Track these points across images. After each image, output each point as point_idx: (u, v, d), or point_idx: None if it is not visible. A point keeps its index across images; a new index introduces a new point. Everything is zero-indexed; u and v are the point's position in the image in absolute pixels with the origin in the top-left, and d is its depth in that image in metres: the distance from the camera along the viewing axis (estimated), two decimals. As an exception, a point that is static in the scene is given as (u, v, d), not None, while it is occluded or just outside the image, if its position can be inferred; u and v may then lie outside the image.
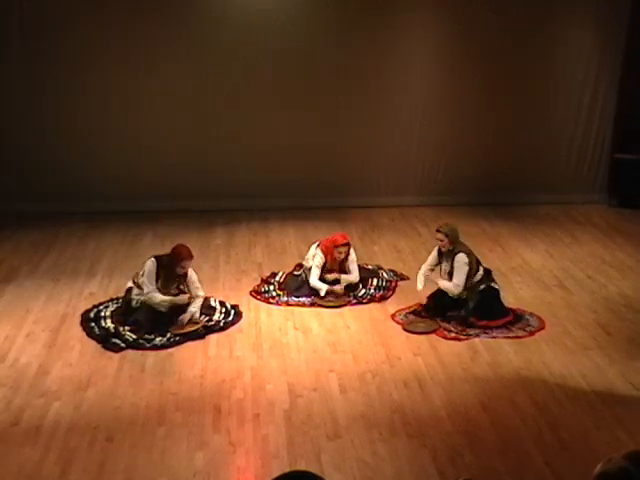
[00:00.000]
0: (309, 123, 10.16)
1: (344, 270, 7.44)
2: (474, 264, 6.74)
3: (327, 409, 5.36)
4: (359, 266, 7.70)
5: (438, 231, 6.78)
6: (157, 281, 6.54)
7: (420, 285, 6.97)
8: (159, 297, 6.51)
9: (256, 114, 10.02)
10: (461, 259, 6.65)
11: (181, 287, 6.71)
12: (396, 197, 10.49)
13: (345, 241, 7.32)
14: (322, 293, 7.23)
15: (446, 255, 6.78)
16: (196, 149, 10.09)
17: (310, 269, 7.44)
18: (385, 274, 7.86)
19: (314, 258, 7.37)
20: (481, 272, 6.74)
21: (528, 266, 8.24)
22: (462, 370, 5.94)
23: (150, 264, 6.55)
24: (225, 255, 8.59)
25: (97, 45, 9.49)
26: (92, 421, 5.21)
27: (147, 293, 6.48)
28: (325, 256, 7.34)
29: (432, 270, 6.99)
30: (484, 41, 10.04)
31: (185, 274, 6.63)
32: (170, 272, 6.56)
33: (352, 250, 7.43)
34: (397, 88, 10.20)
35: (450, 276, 6.75)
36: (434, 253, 6.95)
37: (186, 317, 6.55)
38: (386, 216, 10.04)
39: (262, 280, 7.72)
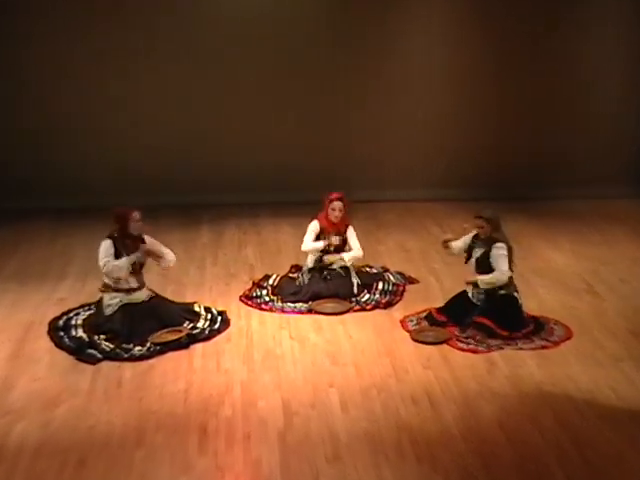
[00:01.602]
0: (306, 110, 10.23)
1: (343, 249, 7.49)
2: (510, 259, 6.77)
3: (326, 428, 5.36)
4: (362, 270, 7.76)
5: (479, 217, 6.75)
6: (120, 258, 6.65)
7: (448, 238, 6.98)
8: (114, 262, 6.57)
9: (247, 99, 10.07)
10: (501, 247, 6.66)
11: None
12: (403, 191, 10.55)
13: (339, 195, 7.41)
14: (321, 246, 7.37)
15: (483, 242, 6.76)
16: (180, 138, 10.14)
17: (308, 270, 7.50)
18: (392, 277, 7.87)
19: (309, 227, 7.50)
20: (511, 274, 6.75)
21: (553, 268, 8.25)
22: (477, 384, 5.93)
23: (103, 245, 6.65)
24: (212, 256, 8.59)
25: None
26: (62, 442, 5.20)
27: (104, 265, 6.57)
28: (321, 222, 7.44)
29: (460, 247, 6.95)
30: (505, 18, 10.08)
31: (141, 236, 6.73)
32: (127, 239, 6.65)
33: (351, 227, 7.51)
34: (402, 71, 10.26)
35: (480, 265, 6.73)
36: (467, 238, 6.90)
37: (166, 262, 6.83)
38: (392, 212, 10.07)
39: (254, 284, 7.74)
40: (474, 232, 6.88)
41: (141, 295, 6.78)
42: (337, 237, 7.47)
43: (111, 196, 9.94)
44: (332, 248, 7.47)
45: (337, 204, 7.41)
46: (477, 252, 6.80)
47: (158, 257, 6.88)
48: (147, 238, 6.86)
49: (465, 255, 6.95)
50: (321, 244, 7.44)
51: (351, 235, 7.53)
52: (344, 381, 5.99)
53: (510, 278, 6.79)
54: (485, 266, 6.72)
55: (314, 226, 7.50)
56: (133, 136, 10.07)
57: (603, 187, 10.71)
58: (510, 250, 6.74)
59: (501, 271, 6.65)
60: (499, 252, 6.66)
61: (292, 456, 5.06)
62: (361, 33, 10.02)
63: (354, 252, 7.48)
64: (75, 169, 10.05)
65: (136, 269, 6.74)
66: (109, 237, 6.69)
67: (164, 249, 6.92)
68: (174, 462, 5.01)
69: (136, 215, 6.71)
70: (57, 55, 9.72)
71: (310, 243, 7.46)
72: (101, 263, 6.59)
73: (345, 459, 5.04)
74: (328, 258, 7.45)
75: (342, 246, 7.52)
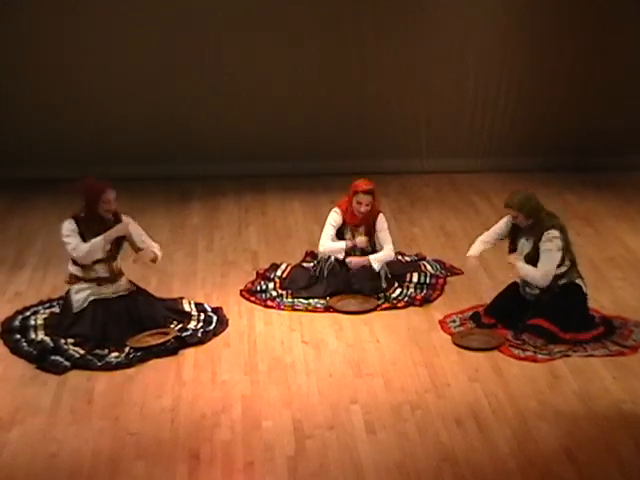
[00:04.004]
0: (324, 61, 10.18)
1: (371, 241, 7.45)
2: (564, 248, 6.67)
3: (348, 456, 5.31)
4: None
5: (507, 206, 6.70)
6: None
7: (472, 251, 6.93)
8: (85, 245, 6.52)
9: (249, 48, 10.06)
10: (552, 238, 6.56)
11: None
12: (444, 159, 10.50)
13: (368, 187, 7.30)
14: (340, 256, 7.31)
15: (527, 232, 6.70)
16: (165, 96, 10.12)
17: (325, 260, 7.47)
18: (429, 267, 7.85)
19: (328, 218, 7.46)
20: (568, 262, 6.70)
21: (632, 256, 8.19)
22: (538, 403, 5.87)
23: (65, 225, 6.61)
24: (206, 240, 8.59)
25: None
26: (17, 474, 5.16)
27: (73, 249, 6.53)
28: (343, 213, 7.38)
29: (494, 243, 6.95)
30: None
31: (115, 215, 6.67)
32: (95, 220, 6.61)
33: (381, 217, 7.45)
34: (446, 13, 10.21)
35: (531, 261, 6.66)
36: (505, 221, 6.86)
37: (147, 253, 6.77)
38: (430, 185, 10.03)
39: (258, 275, 7.73)
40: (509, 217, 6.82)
41: (117, 288, 6.75)
42: (363, 237, 7.38)
43: (82, 166, 9.93)
44: (358, 251, 7.39)
45: (364, 198, 7.29)
46: (525, 245, 6.73)
47: (137, 248, 6.81)
48: (126, 219, 6.79)
49: (509, 243, 6.87)
50: (343, 245, 7.36)
51: (381, 228, 7.43)
52: (370, 397, 5.95)
53: (571, 261, 6.74)
54: (536, 262, 6.64)
55: (334, 218, 7.42)
56: (107, 96, 10.09)
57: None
58: (564, 232, 6.65)
59: (542, 271, 6.56)
60: (547, 246, 6.56)
61: (305, 491, 5.04)
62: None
63: (384, 253, 7.40)
64: (40, 133, 10.06)
65: (112, 254, 6.69)
66: (73, 217, 6.65)
67: (147, 239, 6.86)
68: (158, 498, 5.01)
69: (110, 195, 6.61)
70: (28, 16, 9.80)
71: (330, 243, 7.38)
72: (69, 247, 6.55)
73: (372, 495, 5.01)
74: (351, 262, 7.34)
75: (370, 242, 7.44)
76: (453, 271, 7.84)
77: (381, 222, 7.44)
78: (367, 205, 7.29)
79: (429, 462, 5.26)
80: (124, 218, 6.77)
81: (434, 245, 8.43)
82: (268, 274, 7.72)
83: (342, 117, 10.29)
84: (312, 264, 7.69)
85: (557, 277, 6.66)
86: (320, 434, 5.52)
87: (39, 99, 9.96)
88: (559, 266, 6.64)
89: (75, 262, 6.67)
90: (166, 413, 5.75)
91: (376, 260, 7.35)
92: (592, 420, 5.69)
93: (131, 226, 6.78)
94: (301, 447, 5.39)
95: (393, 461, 5.26)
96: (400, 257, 8.00)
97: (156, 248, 6.86)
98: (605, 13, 10.22)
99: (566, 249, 6.67)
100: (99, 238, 6.55)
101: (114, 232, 6.63)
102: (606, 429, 5.59)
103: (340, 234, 7.45)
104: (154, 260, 6.85)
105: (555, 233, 6.58)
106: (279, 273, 7.72)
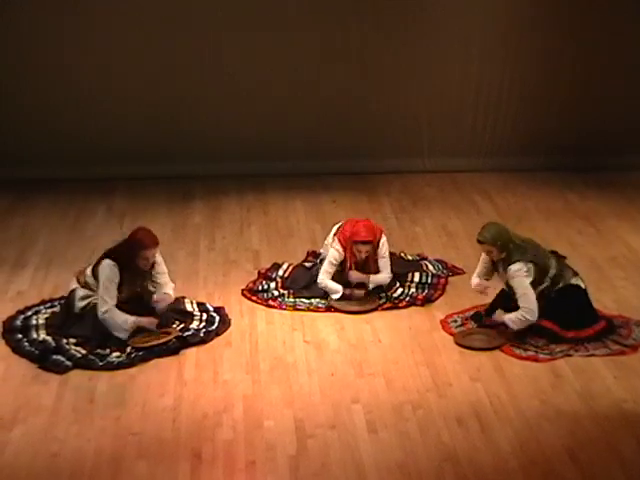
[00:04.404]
0: (324, 61, 10.14)
1: (372, 267, 7.37)
2: (537, 273, 6.60)
3: (350, 455, 5.31)
4: (394, 257, 7.68)
5: (480, 242, 6.69)
6: (119, 288, 6.55)
7: (477, 286, 6.93)
8: (121, 316, 6.48)
9: (249, 48, 10.02)
10: (517, 273, 6.53)
11: (145, 284, 6.78)
12: (446, 159, 10.49)
13: (367, 238, 7.19)
14: (335, 297, 7.22)
15: (501, 264, 6.72)
16: (165, 96, 10.10)
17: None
18: (431, 266, 7.83)
19: (330, 249, 7.36)
20: (548, 279, 6.66)
21: (634, 256, 8.17)
22: (540, 402, 5.87)
23: (108, 270, 6.50)
24: (208, 239, 8.58)
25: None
26: (19, 473, 5.16)
27: (105, 312, 6.46)
28: (344, 249, 7.29)
29: (487, 280, 6.95)
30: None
31: (151, 267, 6.69)
32: (131, 270, 6.57)
33: (383, 242, 7.36)
34: (447, 13, 10.17)
35: (510, 289, 6.70)
36: (484, 257, 6.89)
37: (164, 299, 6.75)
38: (432, 185, 10.01)
39: (259, 274, 7.72)
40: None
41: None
42: (354, 272, 7.30)
43: (82, 166, 9.98)
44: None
45: (363, 247, 7.19)
46: (503, 277, 6.76)
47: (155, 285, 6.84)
48: (158, 258, 6.76)
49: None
50: (340, 291, 7.23)
51: (383, 255, 7.34)
52: (372, 397, 5.95)
53: (561, 261, 6.76)
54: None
55: (335, 255, 7.27)
56: (107, 96, 10.07)
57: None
58: (531, 263, 6.56)
59: (526, 309, 6.50)
60: (516, 282, 6.54)
61: (307, 490, 5.04)
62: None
63: (382, 276, 7.33)
64: (40, 133, 10.04)
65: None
66: (111, 257, 6.55)
67: (167, 283, 6.84)
68: (160, 497, 5.00)
69: (148, 253, 6.54)
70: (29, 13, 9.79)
71: (328, 281, 7.27)
72: (102, 306, 6.45)
73: (373, 494, 5.01)
74: (351, 276, 7.29)
75: (369, 265, 7.35)
76: (455, 271, 7.83)
77: (383, 248, 7.33)
78: (367, 252, 7.22)
79: (431, 462, 5.25)
80: (158, 258, 6.72)
81: (436, 245, 8.42)
82: (270, 274, 7.70)
83: (342, 117, 10.26)
84: (313, 263, 7.69)
85: (546, 288, 6.66)
86: (322, 433, 5.52)
87: (39, 99, 9.93)
88: (540, 284, 6.62)
89: (94, 273, 6.61)
90: (168, 413, 5.74)
91: (373, 281, 7.28)
92: (594, 419, 5.68)
93: (158, 265, 6.74)
94: (303, 446, 5.39)
95: (395, 461, 5.26)
96: (402, 256, 7.98)
97: (170, 290, 6.85)
98: (605, 13, 10.19)
99: (539, 273, 6.60)
100: (130, 321, 6.47)
101: (144, 322, 6.57)
102: (608, 428, 5.59)
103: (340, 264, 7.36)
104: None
105: (515, 267, 6.53)
106: (281, 273, 7.71)
